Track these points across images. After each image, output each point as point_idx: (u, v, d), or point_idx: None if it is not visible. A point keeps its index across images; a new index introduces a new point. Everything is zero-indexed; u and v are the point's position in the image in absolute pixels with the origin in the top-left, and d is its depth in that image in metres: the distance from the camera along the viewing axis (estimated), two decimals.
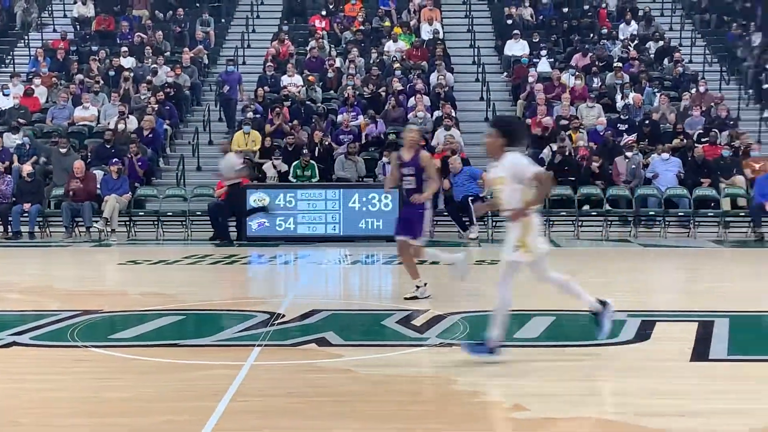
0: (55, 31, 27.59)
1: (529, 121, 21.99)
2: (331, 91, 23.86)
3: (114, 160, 19.19)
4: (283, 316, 9.82)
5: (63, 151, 19.73)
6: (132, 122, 21.27)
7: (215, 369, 7.51)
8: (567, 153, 19.98)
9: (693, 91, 23.31)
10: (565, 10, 27.79)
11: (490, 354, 7.75)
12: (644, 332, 8.95)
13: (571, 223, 19.01)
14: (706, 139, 20.62)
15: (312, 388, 6.99)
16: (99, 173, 19.36)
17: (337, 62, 24.70)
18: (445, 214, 18.77)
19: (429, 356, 8.17)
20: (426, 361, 8.01)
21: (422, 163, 10.94)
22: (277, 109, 21.49)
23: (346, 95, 22.64)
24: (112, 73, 24.22)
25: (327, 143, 20.48)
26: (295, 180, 19.46)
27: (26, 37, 27.69)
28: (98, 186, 19.04)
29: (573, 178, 19.45)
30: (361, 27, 26.89)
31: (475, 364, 7.76)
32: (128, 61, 24.69)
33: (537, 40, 25.93)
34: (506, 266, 7.90)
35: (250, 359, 7.77)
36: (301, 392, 6.89)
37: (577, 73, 24.13)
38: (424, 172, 10.95)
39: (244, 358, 7.78)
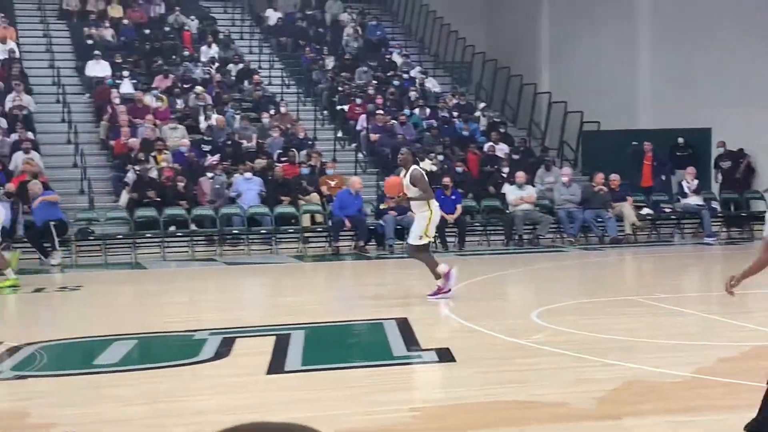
0: None
1: (113, 143, 21.77)
2: None
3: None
4: None
5: None
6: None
7: None
8: (151, 174, 20.02)
9: (272, 112, 24.21)
10: (147, 31, 27.77)
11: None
12: (224, 349, 9.21)
13: (157, 244, 19.02)
14: (285, 158, 21.50)
15: None
16: None
17: None
18: (25, 240, 18.06)
19: (3, 390, 7.88)
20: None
21: None
22: None
23: None
24: None
25: None
26: None
27: None
28: None
29: (158, 199, 19.48)
30: None
31: (53, 395, 7.61)
32: None
33: (119, 60, 25.68)
34: None
35: None
36: None
37: (160, 94, 24.20)
38: None
39: None
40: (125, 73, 25.14)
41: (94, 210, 19.88)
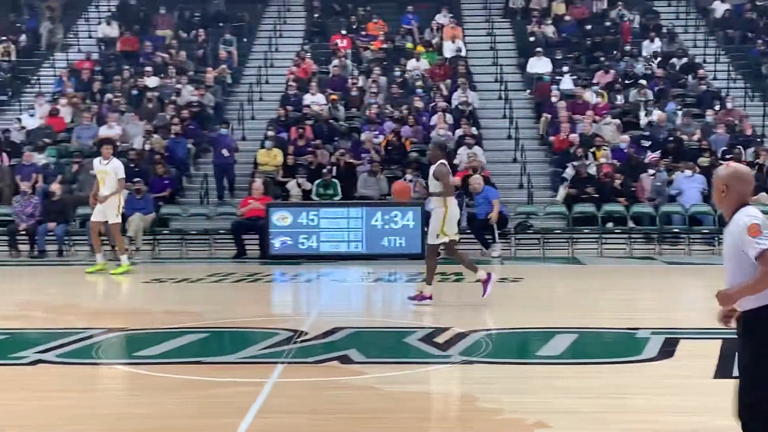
0: (80, 51, 27.81)
1: (552, 138, 22.03)
2: (354, 110, 23.93)
3: (137, 180, 19.24)
4: (306, 333, 9.84)
5: (93, 172, 19.92)
6: (156, 141, 21.36)
7: (239, 386, 7.54)
8: (588, 170, 20.00)
9: (717, 107, 23.23)
10: (588, 27, 27.78)
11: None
12: (668, 350, 8.91)
13: (594, 240, 18.96)
14: (730, 156, 20.50)
15: (335, 405, 7.01)
16: (123, 192, 19.44)
17: (360, 81, 24.79)
18: (468, 231, 18.75)
19: (451, 373, 8.17)
20: (448, 379, 8.01)
21: None
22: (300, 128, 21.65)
23: (368, 113, 22.72)
24: (135, 92, 24.39)
25: (349, 161, 20.54)
26: (317, 198, 19.51)
27: (51, 58, 27.91)
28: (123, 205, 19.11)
29: (597, 196, 19.43)
30: (383, 45, 26.97)
31: (499, 382, 7.75)
32: (152, 81, 24.85)
33: (560, 57, 25.93)
34: None
35: (274, 376, 7.79)
36: (324, 409, 6.91)
37: (600, 90, 24.12)
38: None
39: (268, 375, 7.80)
40: (565, 69, 25.32)
41: (532, 204, 20.25)
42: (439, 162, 11.98)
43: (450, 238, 11.98)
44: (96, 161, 16.30)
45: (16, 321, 11.24)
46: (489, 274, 12.00)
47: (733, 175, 4.92)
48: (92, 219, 16.04)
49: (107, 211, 15.68)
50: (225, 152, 20.94)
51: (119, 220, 15.97)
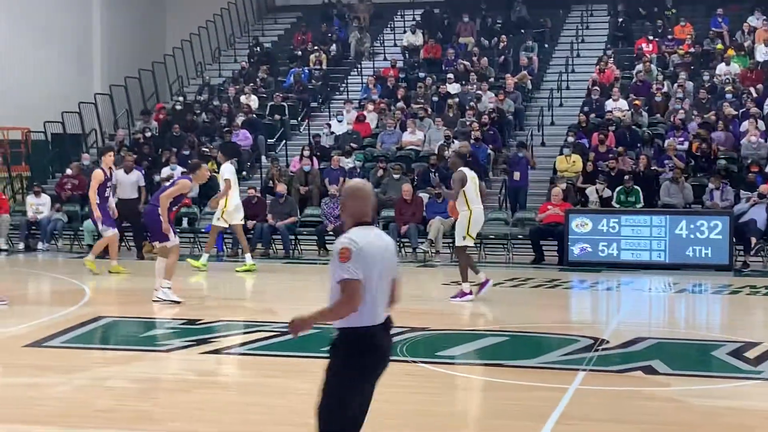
0: (385, 59, 28.73)
1: None
2: (658, 115, 23.23)
3: (437, 184, 19.59)
4: (607, 342, 9.65)
5: (396, 177, 20.53)
6: (456, 147, 21.62)
7: (540, 391, 7.49)
8: None
9: None
10: None
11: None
12: None
13: None
14: None
15: (638, 416, 6.81)
16: (425, 196, 19.89)
17: (665, 86, 24.04)
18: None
19: (764, 389, 7.74)
20: (761, 394, 7.59)
21: None
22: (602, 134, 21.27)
23: (673, 119, 21.98)
24: (436, 98, 24.88)
25: (652, 168, 19.96)
26: (618, 205, 19.10)
27: (359, 66, 29.01)
28: (424, 209, 19.55)
29: None
30: (691, 49, 26.03)
31: None
32: (453, 87, 25.27)
33: None
34: None
35: (575, 383, 7.69)
36: (628, 419, 6.73)
37: None
38: None
39: (569, 381, 7.71)
40: None
41: None
42: (459, 170, 12.80)
43: (473, 241, 13.22)
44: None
45: None
46: (487, 280, 12.93)
47: (347, 192, 4.93)
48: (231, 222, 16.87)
49: (230, 214, 16.44)
50: (517, 175, 20.81)
51: (237, 221, 16.71)
